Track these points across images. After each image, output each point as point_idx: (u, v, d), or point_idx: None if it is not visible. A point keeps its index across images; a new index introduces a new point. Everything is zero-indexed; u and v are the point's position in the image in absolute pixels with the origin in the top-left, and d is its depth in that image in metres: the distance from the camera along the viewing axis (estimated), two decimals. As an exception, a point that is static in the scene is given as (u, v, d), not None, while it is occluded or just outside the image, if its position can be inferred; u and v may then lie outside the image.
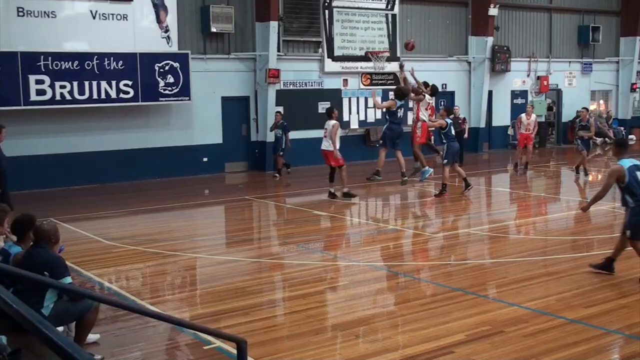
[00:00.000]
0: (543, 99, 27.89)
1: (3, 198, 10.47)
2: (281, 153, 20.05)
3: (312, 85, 22.25)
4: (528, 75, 27.29)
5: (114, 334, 7.26)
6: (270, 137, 21.10)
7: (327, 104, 22.41)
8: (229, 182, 19.95)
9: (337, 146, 15.43)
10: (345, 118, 22.93)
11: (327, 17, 22.17)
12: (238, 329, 7.24)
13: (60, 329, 6.34)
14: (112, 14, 18.44)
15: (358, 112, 23.24)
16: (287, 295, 8.83)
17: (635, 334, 7.03)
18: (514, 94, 27.15)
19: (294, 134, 21.72)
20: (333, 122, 15.48)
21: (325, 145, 15.50)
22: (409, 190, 17.62)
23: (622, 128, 29.32)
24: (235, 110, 21.09)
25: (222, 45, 20.61)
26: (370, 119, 23.44)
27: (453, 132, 16.15)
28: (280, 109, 20.93)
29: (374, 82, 23.37)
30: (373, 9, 23.09)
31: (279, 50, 21.07)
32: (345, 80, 22.87)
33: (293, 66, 21.70)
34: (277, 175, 20.00)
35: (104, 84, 18.17)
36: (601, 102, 30.11)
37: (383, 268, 9.97)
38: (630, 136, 29.55)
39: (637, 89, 30.42)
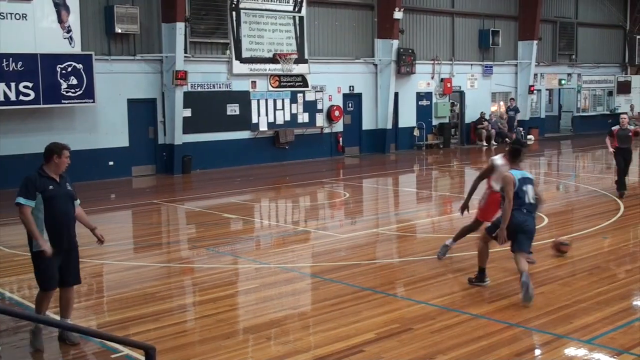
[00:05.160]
0: (447, 100, 28.66)
1: None
2: None
3: (220, 87, 22.08)
4: (432, 78, 27.97)
5: (16, 346, 7.01)
6: (179, 140, 20.83)
7: (236, 106, 22.37)
8: (136, 186, 19.56)
9: None
10: (254, 120, 22.89)
11: (234, 18, 22.07)
12: (147, 335, 7.13)
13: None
14: (11, 13, 17.75)
15: (267, 114, 23.22)
16: (198, 300, 8.75)
17: (535, 327, 7.34)
18: (419, 96, 27.77)
19: (202, 136, 21.54)
20: None
21: None
22: (318, 192, 17.76)
23: (521, 129, 30.47)
24: (142, 113, 20.68)
25: (127, 46, 20.19)
26: (279, 121, 23.48)
27: None
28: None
29: (282, 84, 23.43)
30: (280, 11, 23.14)
31: (186, 52, 20.82)
32: (254, 82, 22.82)
33: (201, 68, 21.48)
34: None
35: (2, 85, 17.47)
36: (501, 103, 31.19)
37: (293, 270, 10.02)
38: (529, 136, 30.76)
39: (534, 91, 31.67)
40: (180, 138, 20.91)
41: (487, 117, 29.52)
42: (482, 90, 29.90)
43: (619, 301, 8.16)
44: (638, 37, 36.01)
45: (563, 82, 33.87)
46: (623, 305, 8.05)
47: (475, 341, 6.94)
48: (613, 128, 15.49)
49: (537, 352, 6.82)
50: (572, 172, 22.25)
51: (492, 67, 30.07)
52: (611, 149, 15.28)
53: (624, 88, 36.30)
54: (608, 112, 36.17)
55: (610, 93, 36.27)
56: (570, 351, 6.78)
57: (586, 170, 22.78)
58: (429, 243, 11.65)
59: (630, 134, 15.11)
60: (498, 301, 8.24)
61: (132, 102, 20.39)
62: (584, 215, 13.84)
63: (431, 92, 28.11)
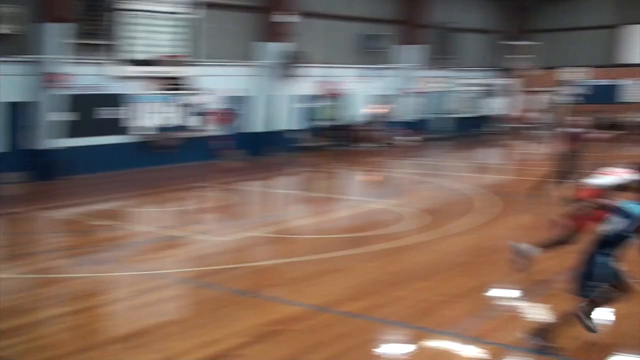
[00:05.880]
0: (329, 103, 28.92)
1: None
2: None
3: (100, 90, 21.25)
4: (315, 81, 28.03)
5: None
6: (54, 144, 19.93)
7: (116, 110, 21.70)
8: (5, 194, 18.52)
9: None
10: (136, 124, 22.27)
11: (118, 20, 21.32)
12: (9, 351, 6.76)
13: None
14: None
15: (149, 118, 22.61)
16: (64, 311, 8.31)
17: (419, 325, 7.43)
18: (302, 98, 27.76)
19: (80, 141, 20.72)
20: None
21: None
22: (196, 196, 17.47)
23: (402, 130, 31.09)
24: (15, 117, 19.64)
25: (2, 47, 19.08)
26: (162, 124, 22.97)
27: None
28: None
29: (165, 87, 22.86)
30: (166, 13, 22.61)
31: (64, 54, 19.89)
32: (136, 85, 22.12)
33: (80, 70, 20.54)
34: None
35: None
36: (383, 106, 31.67)
37: (166, 276, 9.73)
38: (412, 137, 31.44)
39: (416, 94, 32.46)
40: (56, 143, 20.01)
41: (369, 119, 29.98)
42: (364, 93, 30.32)
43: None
44: (509, 42, 37.49)
45: (444, 85, 34.90)
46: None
47: (350, 338, 6.99)
48: None
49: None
50: (450, 171, 22.85)
51: (374, 70, 30.58)
52: None
53: (499, 91, 37.99)
54: (486, 114, 37.64)
55: (485, 95, 37.83)
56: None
57: (470, 169, 23.46)
58: (305, 244, 11.67)
59: None
60: (371, 298, 8.29)
61: (4, 105, 19.31)
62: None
63: (313, 95, 28.25)
